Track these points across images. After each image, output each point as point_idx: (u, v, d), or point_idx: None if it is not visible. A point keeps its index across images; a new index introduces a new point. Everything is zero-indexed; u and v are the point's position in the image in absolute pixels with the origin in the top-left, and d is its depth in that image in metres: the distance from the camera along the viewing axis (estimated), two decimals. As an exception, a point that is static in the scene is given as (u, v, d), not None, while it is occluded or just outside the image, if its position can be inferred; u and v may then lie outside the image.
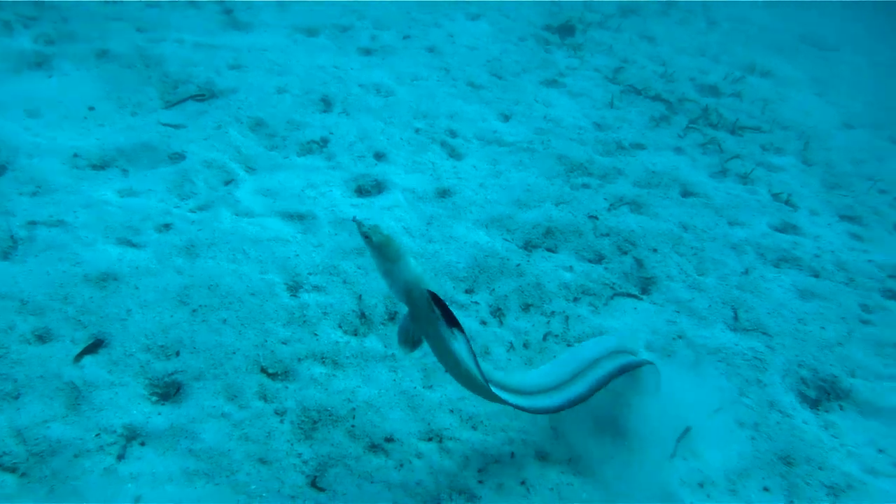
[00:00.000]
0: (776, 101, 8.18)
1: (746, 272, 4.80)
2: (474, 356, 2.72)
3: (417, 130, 5.82)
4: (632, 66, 8.28)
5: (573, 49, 8.48)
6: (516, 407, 2.87)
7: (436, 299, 2.66)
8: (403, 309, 3.90)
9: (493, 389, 2.80)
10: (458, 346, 2.72)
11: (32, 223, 4.11)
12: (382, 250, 2.75)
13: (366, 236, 2.77)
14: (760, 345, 4.14)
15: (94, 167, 4.84)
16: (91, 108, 5.52)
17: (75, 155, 4.84)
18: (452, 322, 2.69)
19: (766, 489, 3.28)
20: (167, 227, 4.26)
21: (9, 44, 6.29)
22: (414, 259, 2.79)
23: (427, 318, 2.71)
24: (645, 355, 3.84)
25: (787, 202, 5.81)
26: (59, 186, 4.52)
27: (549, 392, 3.02)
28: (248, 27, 7.51)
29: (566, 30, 9.01)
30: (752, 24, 11.78)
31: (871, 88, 9.55)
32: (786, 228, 5.46)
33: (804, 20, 12.80)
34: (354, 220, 2.86)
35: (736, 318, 4.35)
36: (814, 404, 3.88)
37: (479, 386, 2.79)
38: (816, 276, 4.92)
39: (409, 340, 2.79)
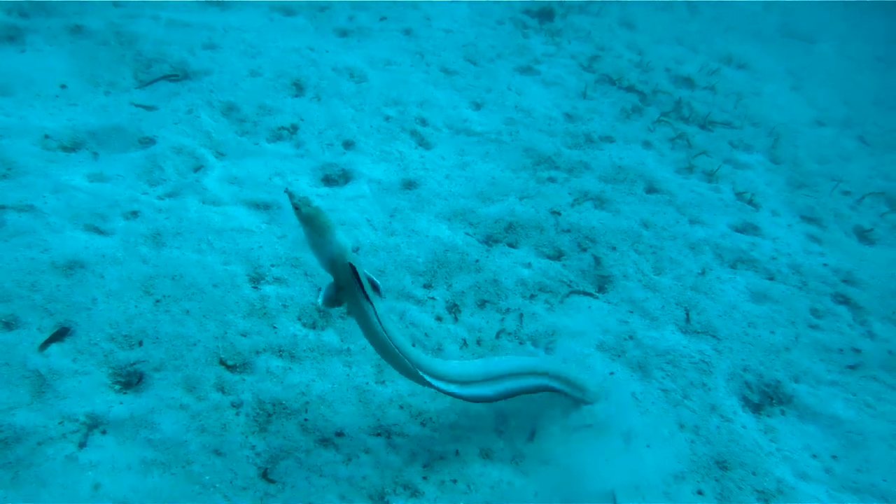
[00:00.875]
0: (750, 95, 8.29)
1: (703, 273, 4.94)
2: (383, 325, 2.93)
3: (388, 118, 5.90)
4: (608, 55, 8.35)
5: (551, 35, 8.53)
6: (426, 383, 3.07)
7: (355, 272, 2.86)
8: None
9: (406, 362, 2.99)
10: (372, 314, 2.92)
11: (2, 207, 4.17)
12: (311, 222, 2.90)
13: (296, 207, 2.93)
14: (708, 347, 4.29)
15: (65, 149, 4.89)
16: (63, 87, 5.55)
17: (46, 136, 4.89)
18: (370, 292, 2.89)
19: (699, 493, 3.43)
20: (135, 214, 4.33)
21: (-20, 15, 6.28)
22: (341, 232, 2.94)
23: (348, 289, 2.91)
24: (596, 364, 3.99)
25: (749, 202, 5.94)
26: (29, 169, 4.57)
27: (468, 383, 3.21)
28: (226, 4, 7.51)
29: (545, 14, 9.05)
30: (736, 11, 11.84)
31: (844, 83, 9.67)
32: (746, 229, 5.60)
33: (788, 8, 12.87)
34: (286, 191, 3.00)
35: (687, 319, 4.49)
36: (756, 409, 4.03)
37: (392, 355, 3.00)
38: (771, 278, 5.06)
39: (332, 301, 2.96)
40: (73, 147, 4.93)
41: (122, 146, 5.01)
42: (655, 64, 8.36)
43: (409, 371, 3.05)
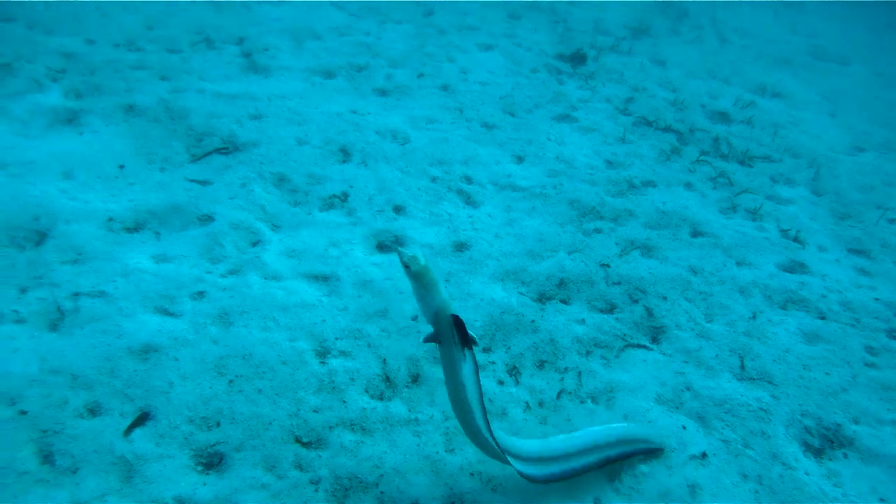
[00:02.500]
0: (787, 125, 8.35)
1: (754, 317, 5.00)
2: (479, 386, 3.17)
3: (434, 179, 6.07)
4: (642, 95, 8.47)
5: (585, 79, 8.69)
6: (500, 457, 3.24)
7: (458, 323, 3.09)
8: (424, 370, 4.17)
9: (483, 431, 3.16)
10: (466, 367, 3.14)
11: (76, 294, 4.39)
12: (419, 278, 3.17)
13: (406, 265, 3.20)
14: (766, 394, 4.34)
15: (129, 230, 5.11)
16: (121, 167, 5.79)
17: (110, 219, 5.12)
18: (466, 344, 3.14)
19: (769, 545, 3.49)
20: (201, 294, 4.52)
21: (40, 100, 6.59)
22: (444, 288, 3.23)
23: (446, 338, 3.15)
24: (658, 419, 4.08)
25: (795, 239, 5.99)
26: (97, 253, 4.79)
27: (543, 461, 3.40)
28: (267, 71, 7.78)
29: (578, 58, 9.21)
30: (759, 38, 11.92)
31: (879, 105, 9.68)
32: (793, 267, 5.65)
33: (809, 28, 12.92)
34: (397, 249, 3.28)
35: (742, 366, 4.55)
36: (817, 453, 4.07)
37: (471, 423, 3.18)
38: (823, 317, 5.10)
39: (430, 340, 3.23)
40: (135, 228, 5.15)
41: (182, 224, 5.22)
42: (690, 101, 8.47)
43: (480, 438, 3.21)
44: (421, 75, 8.10)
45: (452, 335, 3.11)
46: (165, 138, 6.25)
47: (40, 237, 4.84)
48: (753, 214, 6.29)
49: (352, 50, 8.58)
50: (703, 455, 3.90)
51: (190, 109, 6.63)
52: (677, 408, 4.20)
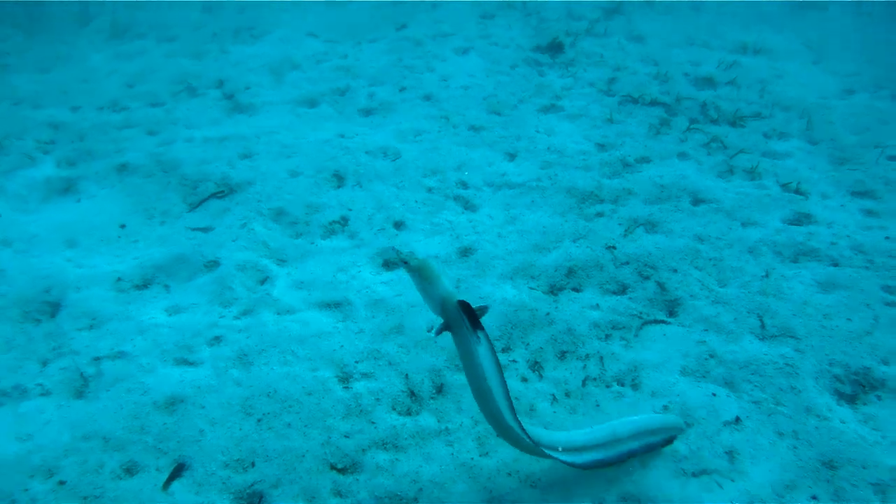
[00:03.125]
0: (773, 80, 8.32)
1: (767, 275, 4.99)
2: (499, 367, 3.16)
3: (430, 189, 6.09)
4: (625, 73, 8.47)
5: (565, 66, 8.71)
6: (524, 442, 3.20)
7: (465, 307, 3.13)
8: (448, 379, 4.19)
9: (505, 412, 3.13)
10: (481, 349, 3.15)
11: (97, 359, 4.44)
12: (420, 273, 3.28)
13: (404, 262, 3.34)
14: (790, 350, 4.33)
15: (138, 287, 5.16)
16: (122, 227, 5.86)
17: (118, 279, 5.17)
18: (477, 326, 3.16)
19: (814, 498, 3.48)
20: (217, 339, 4.56)
21: (34, 174, 6.69)
22: (447, 279, 3.32)
23: (456, 324, 3.18)
24: (686, 390, 4.08)
25: (796, 191, 5.97)
26: (111, 315, 4.84)
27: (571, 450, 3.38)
28: (252, 109, 7.84)
29: (555, 47, 9.22)
30: (735, -1, 11.91)
31: (865, 44, 9.62)
32: (799, 220, 5.63)
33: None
34: (393, 249, 3.34)
35: (762, 326, 4.54)
36: (850, 400, 4.05)
37: (491, 403, 3.16)
38: (836, 264, 5.09)
39: (442, 330, 3.26)
40: (144, 284, 5.20)
41: (189, 274, 5.26)
42: (673, 72, 8.46)
43: (502, 422, 3.19)
44: (403, 89, 8.14)
45: (462, 319, 3.14)
46: (161, 192, 6.31)
47: (53, 308, 4.90)
48: (751, 174, 6.28)
49: (331, 75, 8.63)
50: (737, 420, 3.90)
51: (181, 159, 6.69)
52: (704, 376, 4.20)
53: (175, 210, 6.07)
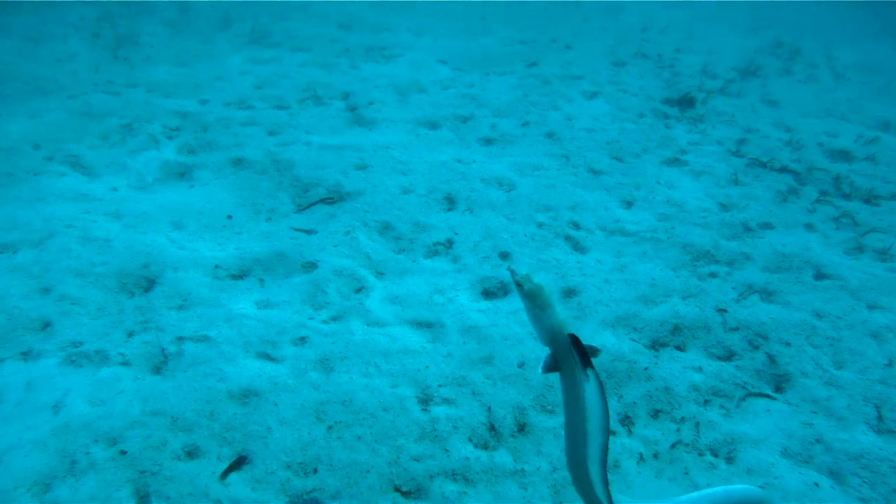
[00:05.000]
0: (915, 163, 7.85)
1: (890, 364, 4.59)
2: (605, 406, 2.73)
3: (540, 225, 5.91)
4: (755, 136, 8.14)
5: (694, 122, 8.43)
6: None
7: (576, 342, 2.78)
8: (531, 419, 3.98)
9: (595, 465, 2.75)
10: (589, 388, 2.74)
11: (180, 338, 4.41)
12: (533, 298, 2.93)
13: (518, 284, 2.98)
14: (911, 449, 3.96)
15: (234, 277, 5.15)
16: (229, 217, 5.89)
17: (216, 266, 5.17)
18: (587, 364, 2.76)
19: None
20: (302, 340, 4.48)
21: (156, 155, 6.84)
22: (560, 307, 2.98)
23: (565, 360, 2.84)
24: (785, 474, 3.74)
25: (933, 281, 5.54)
26: (202, 299, 4.84)
27: None
28: (372, 124, 7.85)
29: (686, 102, 8.97)
30: (882, 74, 11.38)
31: None
32: (933, 312, 5.21)
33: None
34: (509, 268, 3.09)
35: (880, 418, 4.16)
36: (978, 516, 3.66)
37: (583, 450, 2.76)
38: (972, 366, 4.66)
39: (550, 368, 2.91)
40: (240, 275, 5.19)
41: (286, 272, 5.22)
42: (806, 140, 8.07)
43: (585, 471, 2.88)
44: (526, 124, 8.02)
45: (571, 354, 2.80)
46: (272, 190, 6.34)
47: (149, 283, 4.93)
48: (883, 255, 5.86)
49: (456, 101, 8.60)
50: (842, 516, 3.56)
51: (296, 161, 6.72)
52: (806, 462, 3.86)
53: (282, 209, 6.08)
